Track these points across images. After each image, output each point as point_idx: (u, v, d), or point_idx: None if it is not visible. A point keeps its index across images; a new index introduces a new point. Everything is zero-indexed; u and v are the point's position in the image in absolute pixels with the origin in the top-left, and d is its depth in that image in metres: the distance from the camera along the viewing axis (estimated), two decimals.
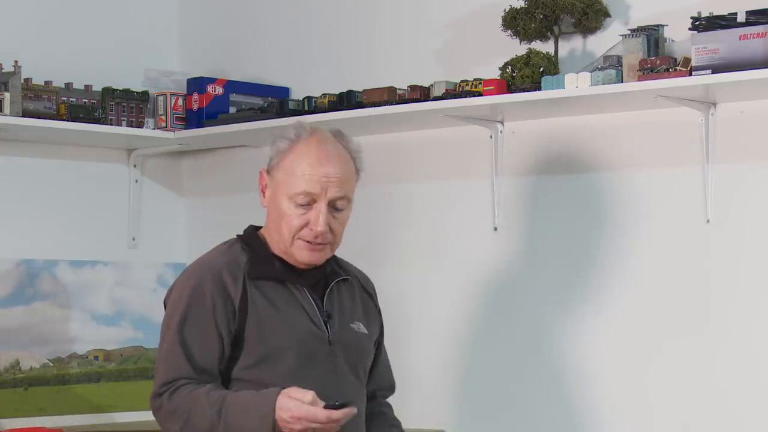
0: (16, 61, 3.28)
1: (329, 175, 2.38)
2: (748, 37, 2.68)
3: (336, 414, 2.23)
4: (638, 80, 2.82)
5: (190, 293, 2.36)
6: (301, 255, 2.41)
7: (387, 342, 3.27)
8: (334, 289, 2.48)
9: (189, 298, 2.36)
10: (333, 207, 2.40)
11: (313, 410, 2.22)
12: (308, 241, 2.39)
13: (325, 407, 2.23)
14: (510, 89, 3.01)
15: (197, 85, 3.58)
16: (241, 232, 2.50)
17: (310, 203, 2.38)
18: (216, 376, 2.36)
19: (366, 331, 2.51)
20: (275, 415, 2.24)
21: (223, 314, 2.35)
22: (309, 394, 2.23)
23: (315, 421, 2.22)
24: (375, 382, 2.57)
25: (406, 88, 3.20)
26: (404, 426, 3.33)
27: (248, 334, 2.36)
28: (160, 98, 3.58)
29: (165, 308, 2.43)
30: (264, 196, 2.45)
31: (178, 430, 2.32)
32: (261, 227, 2.49)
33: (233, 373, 2.37)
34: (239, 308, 2.36)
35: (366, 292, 2.57)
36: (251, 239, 2.46)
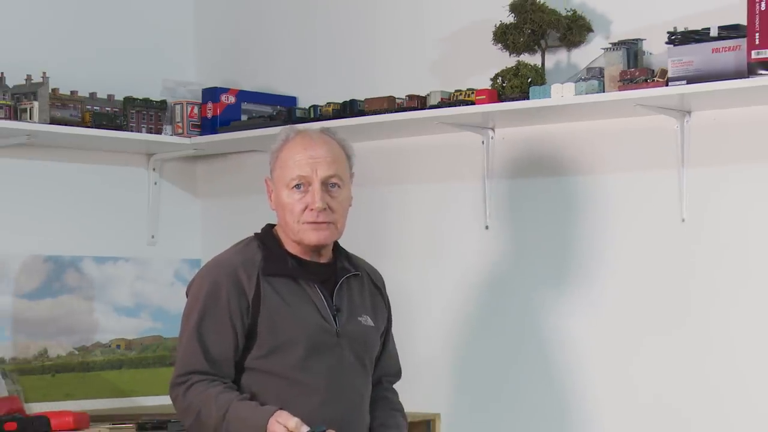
0: (44, 73, 3.29)
1: (316, 156, 2.42)
2: (721, 50, 2.69)
3: None
4: (619, 90, 2.82)
5: (207, 291, 2.38)
6: (308, 237, 2.43)
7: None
8: (344, 285, 2.49)
9: (206, 296, 2.38)
10: (327, 186, 2.42)
11: None
12: (311, 222, 2.41)
13: None
14: (500, 98, 3.01)
15: (212, 94, 3.59)
16: (259, 230, 2.51)
17: (305, 187, 2.41)
18: (230, 367, 2.39)
19: (373, 324, 2.52)
20: None
21: (238, 309, 2.38)
22: (293, 421, 2.26)
23: None
24: (382, 369, 2.59)
25: (404, 97, 3.21)
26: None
27: (260, 327, 2.38)
28: (177, 107, 3.58)
29: (186, 296, 2.46)
30: (271, 200, 2.48)
31: (189, 425, 2.37)
32: (275, 224, 2.51)
33: (246, 362, 2.39)
34: (253, 303, 2.38)
35: (375, 286, 2.58)
36: (267, 238, 2.48)
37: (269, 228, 2.52)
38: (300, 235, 2.43)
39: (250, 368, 2.40)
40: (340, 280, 2.48)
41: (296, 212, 2.42)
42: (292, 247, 2.46)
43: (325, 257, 2.49)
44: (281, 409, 2.30)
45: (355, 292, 2.51)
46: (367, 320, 2.51)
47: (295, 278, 2.43)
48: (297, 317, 2.40)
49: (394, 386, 2.64)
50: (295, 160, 2.42)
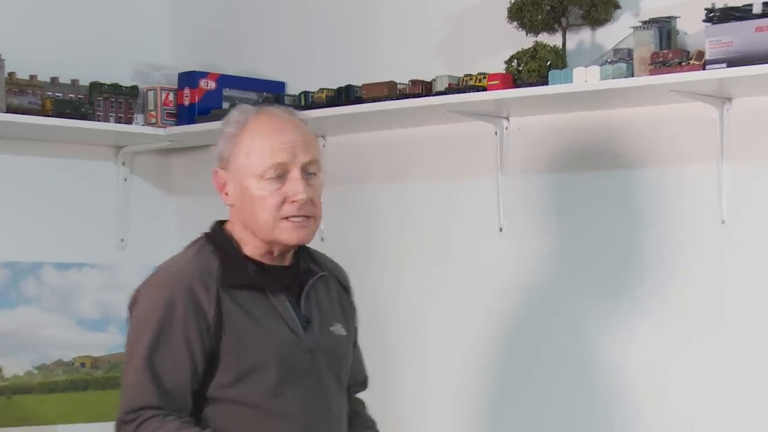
0: None
1: (293, 140, 2.34)
2: (765, 29, 2.68)
3: None
4: (650, 74, 2.82)
5: (161, 310, 2.27)
6: (289, 236, 2.33)
7: (384, 347, 3.30)
8: (311, 290, 2.41)
9: (159, 317, 2.27)
10: (306, 173, 2.34)
11: None
12: (292, 217, 2.32)
13: None
14: (516, 84, 3.01)
15: (189, 79, 3.59)
16: (209, 229, 2.42)
17: (282, 175, 2.32)
18: (187, 399, 2.29)
19: (345, 333, 2.45)
20: None
21: (197, 332, 2.28)
22: None
23: None
24: (350, 379, 2.51)
25: (407, 82, 3.20)
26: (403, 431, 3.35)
27: (225, 351, 2.29)
28: (150, 93, 3.59)
29: (129, 315, 2.36)
30: (226, 194, 2.37)
31: None
32: (227, 221, 2.42)
33: (209, 391, 2.30)
34: (214, 323, 2.28)
35: (342, 286, 2.51)
36: (221, 241, 2.37)
37: (220, 227, 2.41)
38: (276, 233, 2.33)
39: (215, 398, 2.30)
40: (307, 285, 2.40)
41: (272, 206, 2.32)
42: (252, 250, 2.36)
43: (288, 259, 2.40)
44: None
45: (323, 296, 2.44)
46: (339, 329, 2.44)
47: (259, 288, 2.34)
48: (265, 336, 2.31)
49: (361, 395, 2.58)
50: (268, 147, 2.32)
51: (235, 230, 2.39)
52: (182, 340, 2.28)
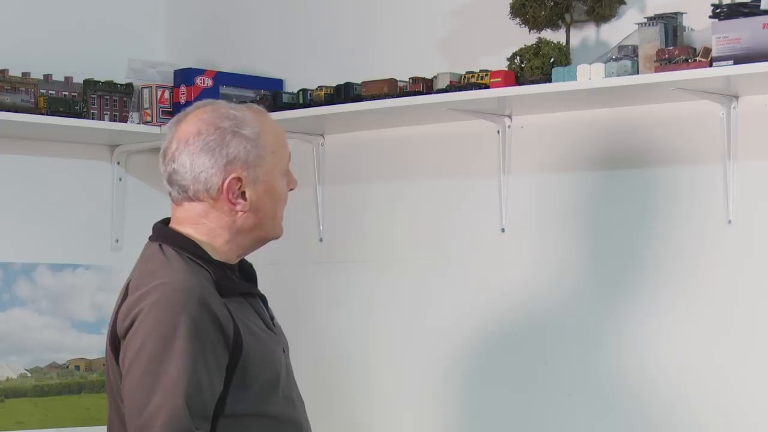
0: None
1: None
2: None
3: None
4: (655, 71, 2.82)
5: (184, 332, 2.13)
6: (282, 229, 2.32)
7: (383, 347, 3.30)
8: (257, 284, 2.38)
9: (184, 339, 2.12)
10: None
11: None
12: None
13: None
14: (518, 81, 3.01)
15: (185, 76, 3.59)
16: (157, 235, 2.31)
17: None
18: (210, 421, 2.17)
19: (279, 323, 2.40)
20: None
21: (220, 350, 2.17)
22: None
23: None
24: None
25: (407, 80, 3.20)
26: None
27: (244, 368, 2.20)
28: (146, 91, 3.58)
29: (122, 340, 2.20)
30: (245, 201, 2.26)
31: None
32: (168, 223, 2.33)
33: (228, 408, 2.20)
34: (234, 339, 2.19)
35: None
36: (194, 248, 2.27)
37: (175, 232, 2.29)
38: (279, 229, 2.31)
39: (231, 414, 2.21)
40: (255, 277, 2.36)
41: (286, 199, 2.30)
42: (221, 254, 2.28)
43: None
44: None
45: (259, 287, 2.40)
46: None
47: (243, 293, 2.29)
48: (267, 345, 2.27)
49: None
50: (282, 137, 2.31)
51: (197, 234, 2.28)
52: (211, 361, 2.15)
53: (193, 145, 2.25)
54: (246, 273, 2.37)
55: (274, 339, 2.31)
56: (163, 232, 2.31)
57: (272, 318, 2.36)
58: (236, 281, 2.30)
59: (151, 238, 2.33)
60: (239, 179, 2.24)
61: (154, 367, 2.13)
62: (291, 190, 2.33)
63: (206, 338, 2.15)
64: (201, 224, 2.28)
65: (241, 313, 2.24)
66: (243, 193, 2.25)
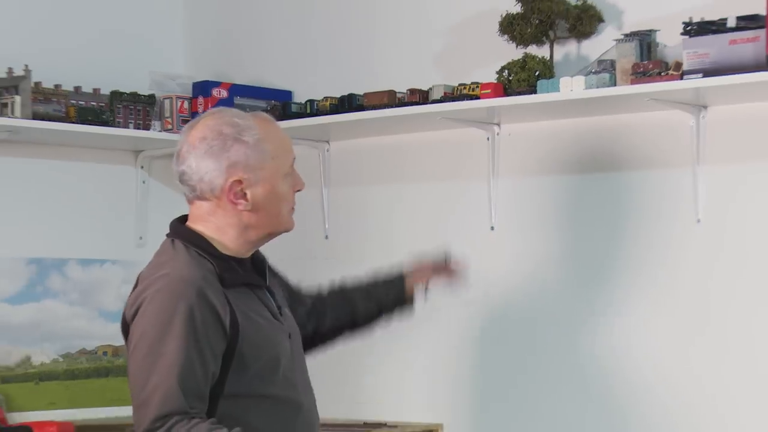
0: (26, 65, 3.27)
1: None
2: (738, 41, 2.68)
3: None
4: (631, 84, 2.81)
5: (181, 318, 2.13)
6: (292, 223, 2.31)
7: (385, 339, 3.27)
8: (271, 278, 2.35)
9: (180, 325, 2.13)
10: None
11: None
12: (293, 205, 2.31)
13: None
14: (507, 92, 3.01)
15: (202, 88, 3.58)
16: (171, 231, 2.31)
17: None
18: (206, 399, 2.18)
19: (289, 312, 2.38)
20: None
21: (216, 336, 2.17)
22: None
23: None
24: (296, 297, 2.49)
25: (405, 91, 3.20)
26: (404, 420, 3.33)
27: (240, 353, 2.20)
28: (167, 101, 3.57)
29: (130, 325, 2.20)
30: (246, 201, 2.25)
31: None
32: (184, 220, 2.32)
33: (227, 389, 2.20)
34: (230, 325, 2.18)
35: (271, 270, 2.40)
36: (201, 242, 2.27)
37: (188, 228, 2.29)
38: (287, 224, 2.30)
39: (232, 395, 2.21)
40: (266, 274, 2.33)
41: (290, 199, 2.29)
42: (230, 248, 2.28)
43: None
44: None
45: (274, 282, 2.37)
46: (288, 310, 2.38)
47: (248, 284, 2.28)
48: (269, 330, 2.26)
49: None
50: (285, 143, 2.30)
51: (208, 230, 2.28)
52: (205, 346, 2.15)
53: (198, 149, 2.26)
54: (257, 266, 2.35)
55: (277, 326, 2.29)
56: (177, 229, 2.31)
57: (280, 308, 2.34)
58: (240, 273, 2.27)
59: (167, 234, 2.32)
60: (240, 181, 2.24)
61: (153, 350, 2.14)
62: (298, 191, 2.32)
63: (202, 325, 2.14)
64: (209, 221, 2.27)
65: (243, 303, 2.23)
66: (245, 194, 2.25)
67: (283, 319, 2.33)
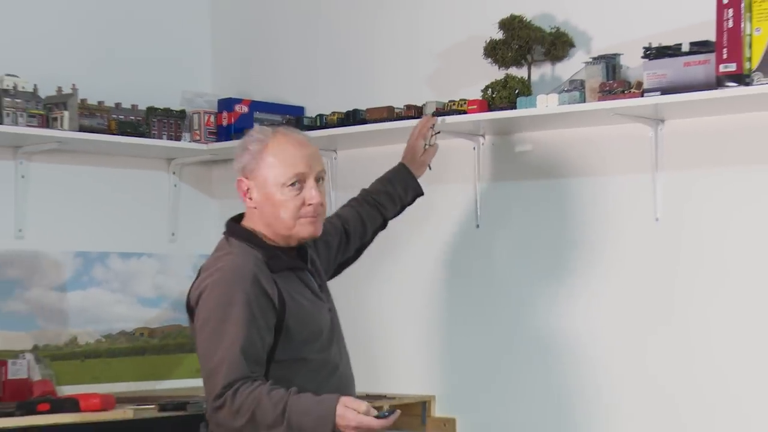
0: (73, 85, 3.29)
1: (310, 155, 2.36)
2: (691, 64, 2.68)
3: (388, 421, 2.21)
4: (598, 100, 2.82)
5: (240, 301, 2.24)
6: (306, 231, 2.35)
7: (379, 320, 3.29)
8: (313, 261, 2.45)
9: (240, 306, 2.23)
10: (316, 180, 2.36)
11: (368, 420, 2.18)
12: (309, 217, 2.34)
13: (377, 417, 2.19)
14: (490, 108, 3.01)
15: (226, 104, 3.58)
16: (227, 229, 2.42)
17: (300, 183, 2.33)
18: (263, 366, 2.28)
19: (328, 290, 2.50)
20: (335, 420, 2.19)
21: (270, 314, 2.27)
22: (363, 405, 2.19)
23: (371, 429, 2.19)
24: (345, 221, 2.68)
25: (402, 107, 3.20)
26: (396, 392, 3.29)
27: (288, 325, 2.30)
28: (195, 115, 3.57)
29: (196, 309, 2.30)
30: (250, 199, 2.36)
31: (241, 424, 2.22)
32: (240, 220, 2.41)
33: (277, 355, 2.30)
34: (279, 303, 2.28)
35: (314, 244, 2.51)
36: (250, 236, 2.36)
37: (240, 226, 2.39)
38: (295, 229, 2.34)
39: (282, 360, 2.31)
40: (308, 258, 2.42)
41: (292, 209, 2.33)
42: (273, 239, 2.37)
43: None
44: (341, 395, 2.22)
45: (316, 265, 2.48)
46: (328, 289, 2.50)
47: (292, 269, 2.36)
48: (311, 307, 2.36)
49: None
50: (291, 158, 2.33)
51: (256, 225, 2.38)
52: (260, 321, 2.25)
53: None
54: (301, 253, 2.43)
55: (318, 303, 2.39)
56: (229, 227, 2.42)
57: (320, 286, 2.44)
58: (284, 259, 2.35)
59: (223, 233, 2.44)
60: (242, 180, 2.36)
61: (217, 329, 2.24)
62: (309, 205, 2.34)
63: (256, 305, 2.25)
64: (257, 218, 2.38)
65: (288, 284, 2.33)
66: (250, 196, 2.36)
67: (323, 296, 2.42)
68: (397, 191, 2.80)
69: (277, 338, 2.30)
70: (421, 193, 2.84)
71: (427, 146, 2.90)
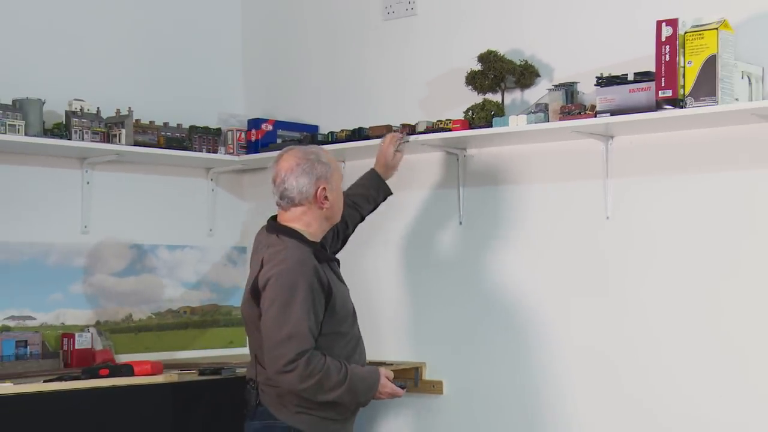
0: (129, 107, 3.29)
1: None
2: (636, 90, 2.69)
3: (403, 392, 2.50)
4: (559, 120, 2.82)
5: (303, 285, 2.32)
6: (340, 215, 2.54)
7: (373, 298, 3.28)
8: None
9: (304, 289, 2.32)
10: None
11: (396, 389, 2.46)
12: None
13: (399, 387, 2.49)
14: (471, 126, 3.01)
15: (255, 123, 3.57)
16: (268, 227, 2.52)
17: None
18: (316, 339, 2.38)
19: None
20: (378, 387, 2.43)
21: (322, 297, 2.37)
22: (392, 375, 2.46)
23: (396, 395, 2.47)
24: (343, 234, 2.76)
25: (399, 125, 3.19)
26: (394, 360, 3.31)
27: (334, 305, 2.39)
28: (229, 133, 3.57)
29: (263, 292, 2.35)
30: (325, 198, 2.46)
31: (308, 386, 2.32)
32: (276, 219, 2.51)
33: (323, 330, 2.38)
34: (328, 287, 2.38)
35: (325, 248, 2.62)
36: (296, 234, 2.44)
37: (285, 226, 2.46)
38: (339, 216, 2.51)
39: (324, 333, 2.39)
40: (329, 251, 2.57)
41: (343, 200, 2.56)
42: (312, 236, 2.46)
43: None
44: (380, 368, 2.44)
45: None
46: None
47: (328, 260, 2.47)
48: (345, 292, 2.48)
49: None
50: (336, 164, 2.53)
51: (300, 226, 2.45)
52: (318, 302, 2.34)
53: (295, 172, 2.44)
54: (324, 248, 2.53)
55: (345, 288, 2.49)
56: (277, 227, 2.47)
57: (341, 275, 2.53)
58: (324, 253, 2.46)
59: (267, 230, 2.48)
60: (324, 188, 2.44)
61: (285, 309, 2.31)
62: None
63: (314, 290, 2.33)
64: (302, 220, 2.45)
65: (328, 273, 2.42)
66: (327, 197, 2.44)
67: (345, 283, 2.52)
68: (371, 193, 2.88)
69: (324, 316, 2.38)
70: (391, 193, 2.93)
71: (396, 152, 2.96)
